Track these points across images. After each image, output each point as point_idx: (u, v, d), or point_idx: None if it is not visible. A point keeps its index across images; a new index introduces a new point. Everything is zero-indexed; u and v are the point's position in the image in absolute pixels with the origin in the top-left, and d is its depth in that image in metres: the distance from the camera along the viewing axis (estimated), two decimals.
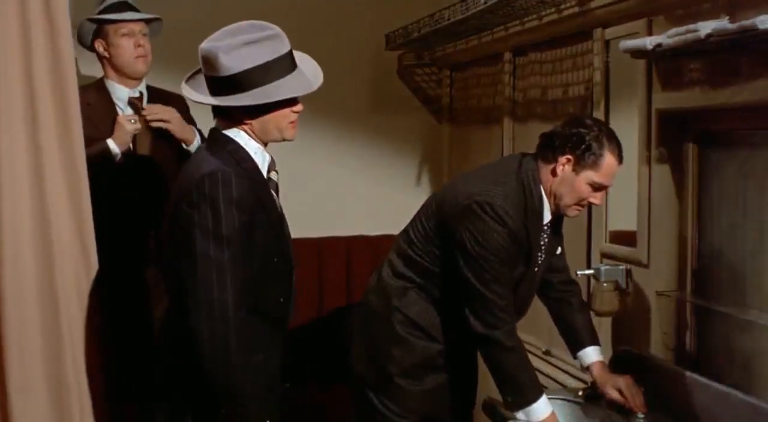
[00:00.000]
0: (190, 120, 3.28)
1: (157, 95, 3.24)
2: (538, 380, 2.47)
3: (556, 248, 2.62)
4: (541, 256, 2.53)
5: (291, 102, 2.16)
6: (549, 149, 2.42)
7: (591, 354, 2.60)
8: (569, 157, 2.37)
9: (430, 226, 2.52)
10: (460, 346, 2.55)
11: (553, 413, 2.42)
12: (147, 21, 3.22)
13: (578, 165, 2.37)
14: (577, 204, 2.43)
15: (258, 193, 2.16)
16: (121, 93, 3.19)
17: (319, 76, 2.22)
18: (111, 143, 3.06)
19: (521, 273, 2.47)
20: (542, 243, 2.51)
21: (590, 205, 2.46)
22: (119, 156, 3.08)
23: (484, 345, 2.43)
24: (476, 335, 2.42)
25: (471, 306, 2.41)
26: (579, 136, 2.36)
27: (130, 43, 3.16)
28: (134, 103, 3.18)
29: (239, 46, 2.08)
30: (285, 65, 2.13)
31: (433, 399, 2.56)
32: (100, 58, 3.20)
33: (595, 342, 2.63)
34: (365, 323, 2.63)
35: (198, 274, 2.06)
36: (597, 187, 2.39)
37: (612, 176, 2.39)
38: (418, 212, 2.61)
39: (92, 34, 3.18)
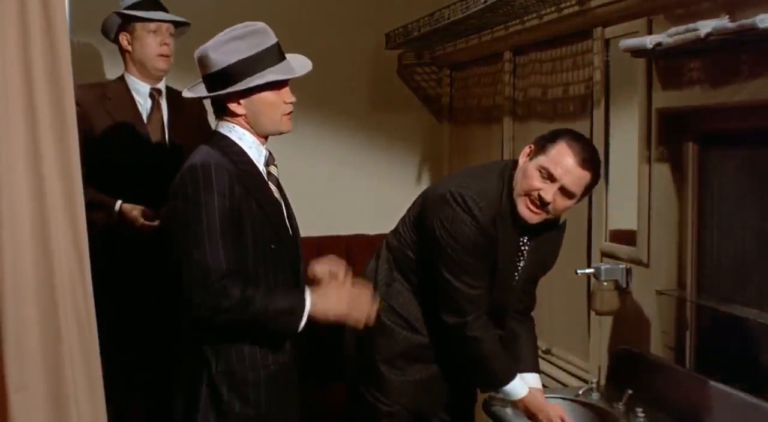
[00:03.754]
0: (206, 122, 3.27)
1: (175, 96, 3.22)
2: (511, 365, 2.49)
3: (542, 266, 2.60)
4: (519, 266, 2.52)
5: (275, 87, 2.22)
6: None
7: (529, 379, 2.53)
8: (530, 146, 2.41)
9: (412, 217, 2.57)
10: (443, 339, 2.56)
11: (530, 391, 2.46)
12: (175, 23, 3.22)
13: (534, 153, 2.39)
14: (527, 194, 2.36)
15: (247, 183, 2.20)
16: (141, 87, 3.19)
17: (306, 66, 2.28)
18: (118, 206, 3.03)
19: (491, 277, 2.47)
20: (521, 253, 2.51)
21: (542, 200, 2.33)
22: (114, 218, 3.04)
23: (453, 333, 2.47)
24: (446, 324, 2.46)
25: (441, 296, 2.45)
26: (549, 133, 2.41)
27: (156, 41, 3.16)
28: (153, 95, 3.20)
29: (226, 41, 2.19)
30: (271, 56, 2.22)
31: (421, 391, 2.57)
32: (123, 51, 3.21)
33: (536, 369, 2.62)
34: None
35: (183, 256, 2.13)
36: (546, 175, 2.33)
37: (562, 167, 2.31)
38: (409, 207, 2.65)
39: (118, 26, 3.19)
